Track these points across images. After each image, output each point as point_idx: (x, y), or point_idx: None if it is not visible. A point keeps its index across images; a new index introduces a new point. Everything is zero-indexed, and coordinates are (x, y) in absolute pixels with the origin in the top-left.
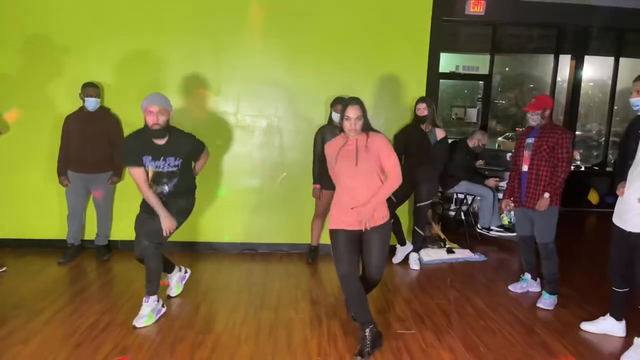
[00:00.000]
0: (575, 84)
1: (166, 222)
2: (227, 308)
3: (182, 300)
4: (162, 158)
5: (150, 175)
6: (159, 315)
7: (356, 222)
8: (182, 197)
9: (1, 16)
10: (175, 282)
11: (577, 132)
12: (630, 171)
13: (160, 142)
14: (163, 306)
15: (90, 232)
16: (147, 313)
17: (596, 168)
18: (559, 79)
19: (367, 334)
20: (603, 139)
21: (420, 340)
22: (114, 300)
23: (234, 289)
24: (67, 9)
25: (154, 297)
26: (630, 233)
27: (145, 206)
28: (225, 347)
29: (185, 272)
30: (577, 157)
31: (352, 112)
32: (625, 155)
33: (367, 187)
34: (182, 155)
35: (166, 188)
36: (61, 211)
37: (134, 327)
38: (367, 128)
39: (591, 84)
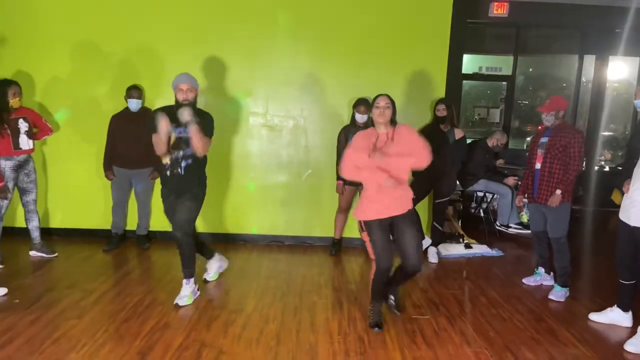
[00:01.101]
0: (599, 84)
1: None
2: (256, 292)
3: (216, 284)
4: (184, 126)
5: (172, 141)
6: (195, 297)
7: (384, 208)
8: (195, 186)
9: (51, 24)
10: (214, 271)
11: (602, 133)
12: (635, 169)
13: None
14: (198, 290)
15: (131, 223)
16: (188, 294)
17: (620, 168)
18: (583, 79)
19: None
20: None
21: (433, 324)
22: (154, 283)
23: (262, 276)
24: (112, 17)
25: (193, 280)
26: (634, 228)
27: (164, 191)
28: (254, 325)
29: (224, 263)
30: (608, 157)
31: (382, 101)
32: (631, 154)
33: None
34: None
35: (181, 153)
36: (106, 203)
37: (177, 305)
38: (394, 122)
39: (616, 84)
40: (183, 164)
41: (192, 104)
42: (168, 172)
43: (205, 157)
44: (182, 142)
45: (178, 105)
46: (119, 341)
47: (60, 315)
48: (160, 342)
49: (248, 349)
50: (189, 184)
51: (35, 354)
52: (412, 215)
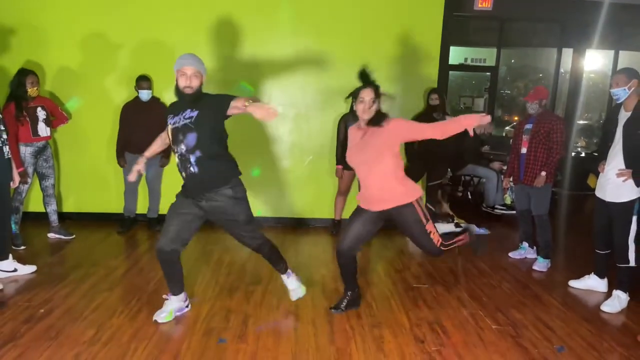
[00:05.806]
0: (576, 75)
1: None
2: (269, 266)
3: (231, 259)
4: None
5: (170, 135)
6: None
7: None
8: (222, 185)
9: (62, 16)
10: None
11: (578, 121)
12: (610, 151)
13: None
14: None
15: (141, 207)
16: (295, 287)
17: (595, 154)
18: (562, 70)
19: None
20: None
21: (432, 291)
22: None
23: None
24: (122, 8)
25: (290, 272)
26: (609, 203)
27: (178, 197)
28: (272, 294)
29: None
30: (584, 144)
31: (366, 94)
32: (606, 138)
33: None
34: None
35: (183, 147)
36: (117, 189)
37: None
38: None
39: (592, 75)
40: (192, 158)
41: (197, 94)
42: (184, 174)
43: (221, 146)
44: (179, 133)
45: (179, 92)
46: (153, 308)
47: (92, 288)
48: (190, 310)
49: (271, 313)
50: (210, 183)
51: (79, 321)
52: (404, 210)
